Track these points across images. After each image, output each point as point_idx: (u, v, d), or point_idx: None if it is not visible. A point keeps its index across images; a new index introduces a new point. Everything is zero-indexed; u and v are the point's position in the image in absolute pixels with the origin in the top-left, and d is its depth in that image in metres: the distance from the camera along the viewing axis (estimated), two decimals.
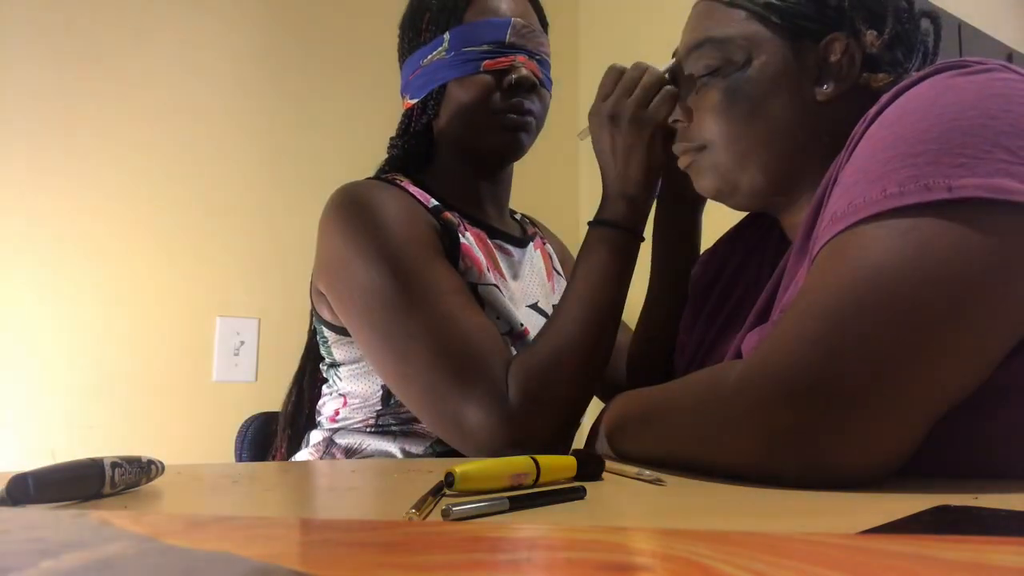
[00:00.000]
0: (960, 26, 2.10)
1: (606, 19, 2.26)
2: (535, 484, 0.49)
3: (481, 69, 0.91)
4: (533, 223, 1.15)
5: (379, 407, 0.88)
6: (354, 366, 0.91)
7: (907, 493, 0.45)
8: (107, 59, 1.60)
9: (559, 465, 0.52)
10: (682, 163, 0.76)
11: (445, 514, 0.38)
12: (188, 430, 1.63)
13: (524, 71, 0.91)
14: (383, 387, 0.88)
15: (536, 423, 0.74)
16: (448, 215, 0.90)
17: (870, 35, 0.67)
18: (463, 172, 0.98)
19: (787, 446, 0.49)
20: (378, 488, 0.56)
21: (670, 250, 0.88)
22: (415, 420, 0.86)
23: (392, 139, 1.00)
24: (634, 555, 0.21)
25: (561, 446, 0.80)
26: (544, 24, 1.00)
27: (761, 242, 0.82)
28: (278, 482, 0.58)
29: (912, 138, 0.51)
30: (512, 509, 0.41)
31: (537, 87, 0.94)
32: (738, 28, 0.69)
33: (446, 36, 0.92)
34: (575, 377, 0.78)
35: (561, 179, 2.28)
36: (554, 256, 1.12)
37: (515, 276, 0.99)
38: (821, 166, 0.65)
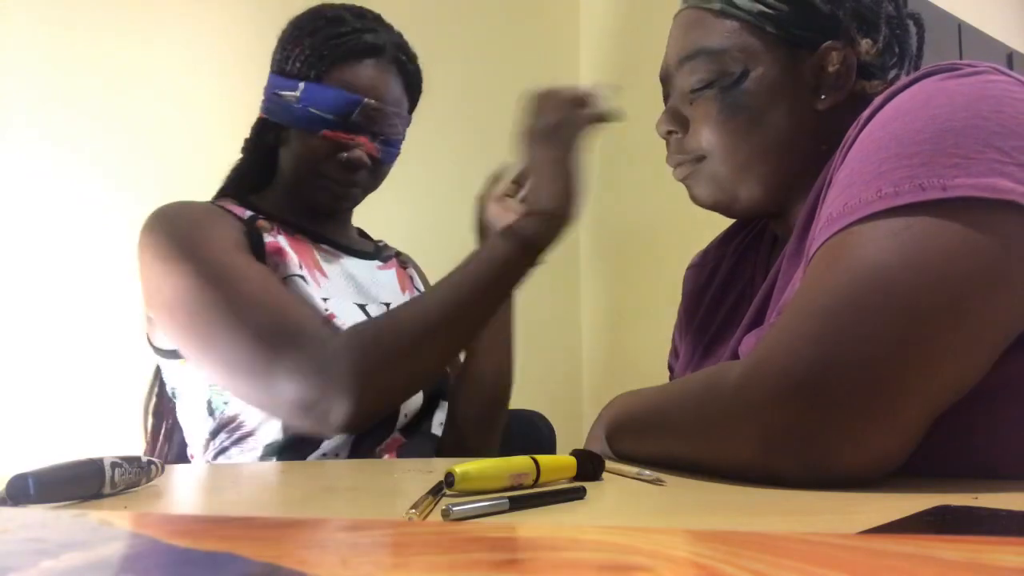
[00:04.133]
0: (960, 26, 2.10)
1: (606, 19, 2.26)
2: (535, 484, 0.49)
3: (320, 135, 0.91)
4: (402, 259, 1.13)
5: (207, 435, 0.89)
6: (181, 398, 0.92)
7: (907, 493, 0.45)
8: (106, 58, 1.60)
9: (559, 465, 0.53)
10: (678, 174, 0.75)
11: (445, 514, 0.38)
12: None
13: (358, 153, 0.92)
14: (206, 408, 0.88)
15: (360, 386, 0.73)
16: (262, 223, 0.91)
17: (865, 43, 0.67)
18: (297, 198, 0.98)
19: (786, 446, 0.49)
20: (378, 488, 0.56)
21: None
22: (242, 440, 0.86)
23: (245, 141, 1.01)
24: (634, 555, 0.21)
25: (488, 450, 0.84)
26: (414, 99, 1.00)
27: (754, 244, 0.82)
28: (278, 482, 0.58)
29: (905, 139, 0.51)
30: (512, 509, 0.41)
31: (370, 168, 0.94)
32: (732, 39, 0.68)
33: (301, 86, 0.91)
34: (413, 349, 0.77)
35: None
36: (416, 279, 1.11)
37: (343, 275, 0.97)
38: (818, 173, 0.65)
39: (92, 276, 1.53)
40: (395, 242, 1.17)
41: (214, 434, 0.88)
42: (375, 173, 0.97)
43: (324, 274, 0.94)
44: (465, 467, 0.46)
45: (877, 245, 0.49)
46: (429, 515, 0.40)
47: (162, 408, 1.00)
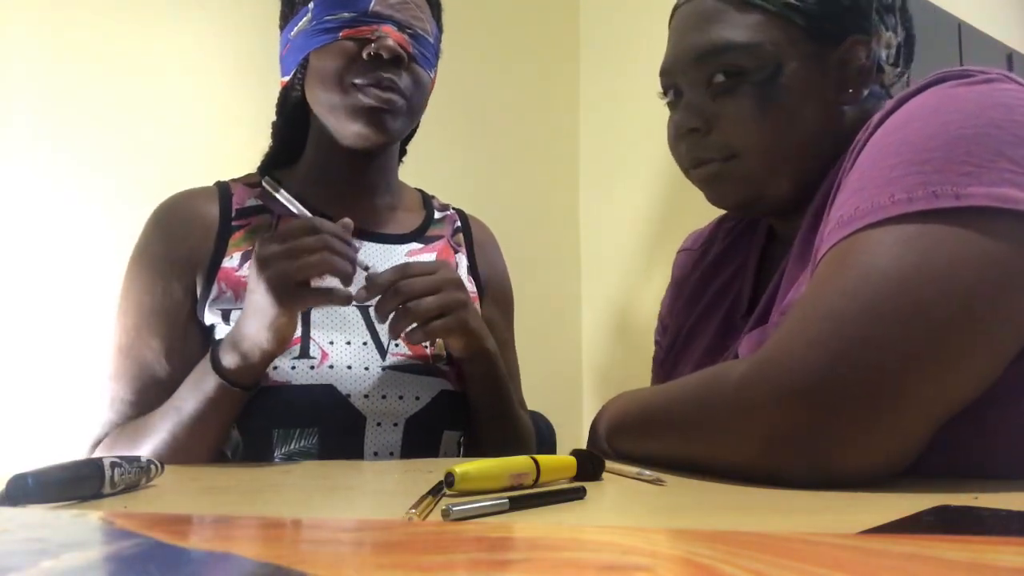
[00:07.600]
0: (960, 26, 2.10)
1: (606, 18, 2.26)
2: (535, 484, 0.49)
3: (340, 37, 0.83)
4: (457, 239, 1.01)
5: None
6: None
7: (907, 493, 0.45)
8: (106, 58, 1.60)
9: (559, 465, 0.53)
10: (701, 174, 0.71)
11: (445, 514, 0.38)
12: None
13: (389, 41, 0.82)
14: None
15: None
16: (240, 234, 0.88)
17: (887, 37, 0.67)
18: (328, 163, 0.91)
19: (788, 447, 0.49)
20: (378, 488, 0.56)
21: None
22: None
23: (272, 123, 0.96)
24: (634, 555, 0.21)
25: None
26: (435, 14, 0.92)
27: (747, 231, 0.82)
28: (278, 482, 0.58)
29: (918, 145, 0.51)
30: (512, 509, 0.41)
31: (406, 61, 0.85)
32: (761, 32, 0.66)
33: (311, 5, 0.86)
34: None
35: (561, 179, 2.28)
36: (462, 267, 0.99)
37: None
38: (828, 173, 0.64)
39: (93, 275, 1.53)
40: None
41: None
42: (415, 78, 0.86)
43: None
44: (465, 467, 0.46)
45: (888, 251, 0.49)
46: (429, 515, 0.40)
47: None
